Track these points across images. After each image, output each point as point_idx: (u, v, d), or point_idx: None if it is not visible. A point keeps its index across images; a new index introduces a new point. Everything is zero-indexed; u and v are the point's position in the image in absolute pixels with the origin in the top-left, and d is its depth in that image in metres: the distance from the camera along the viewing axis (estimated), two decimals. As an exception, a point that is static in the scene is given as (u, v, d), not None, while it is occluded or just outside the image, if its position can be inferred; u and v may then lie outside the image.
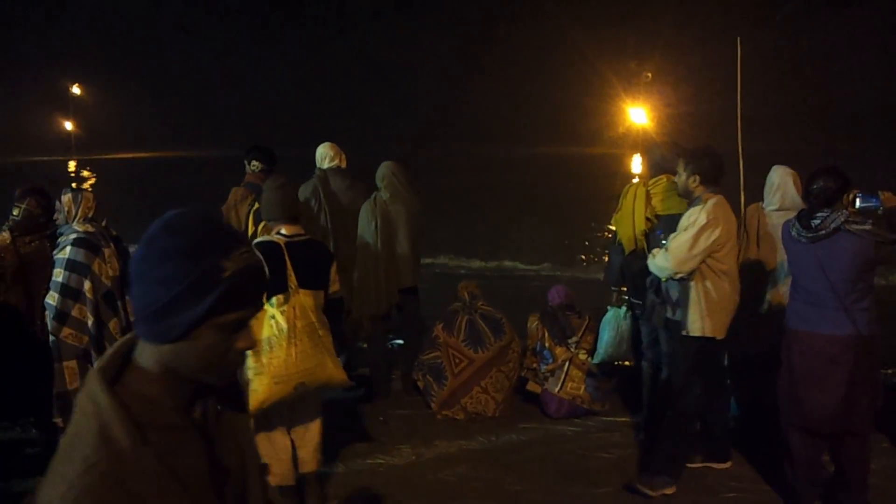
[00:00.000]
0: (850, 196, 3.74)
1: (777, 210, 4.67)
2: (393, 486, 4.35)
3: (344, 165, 5.91)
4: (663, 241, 4.15)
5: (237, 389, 1.51)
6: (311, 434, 3.92)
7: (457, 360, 5.35)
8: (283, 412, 3.81)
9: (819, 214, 3.69)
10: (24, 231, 4.64)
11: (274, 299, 3.53)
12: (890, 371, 5.87)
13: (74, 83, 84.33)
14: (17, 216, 4.72)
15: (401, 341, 6.32)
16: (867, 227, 3.59)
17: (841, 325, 3.68)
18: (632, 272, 4.83)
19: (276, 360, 3.51)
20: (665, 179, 4.61)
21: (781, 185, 4.70)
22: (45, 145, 72.85)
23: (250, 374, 3.52)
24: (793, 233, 3.81)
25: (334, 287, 3.84)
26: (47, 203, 4.80)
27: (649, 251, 4.43)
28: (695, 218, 3.95)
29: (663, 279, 4.17)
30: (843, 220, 3.61)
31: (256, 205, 5.43)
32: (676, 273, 4.02)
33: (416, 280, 5.67)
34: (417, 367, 5.53)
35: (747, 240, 4.81)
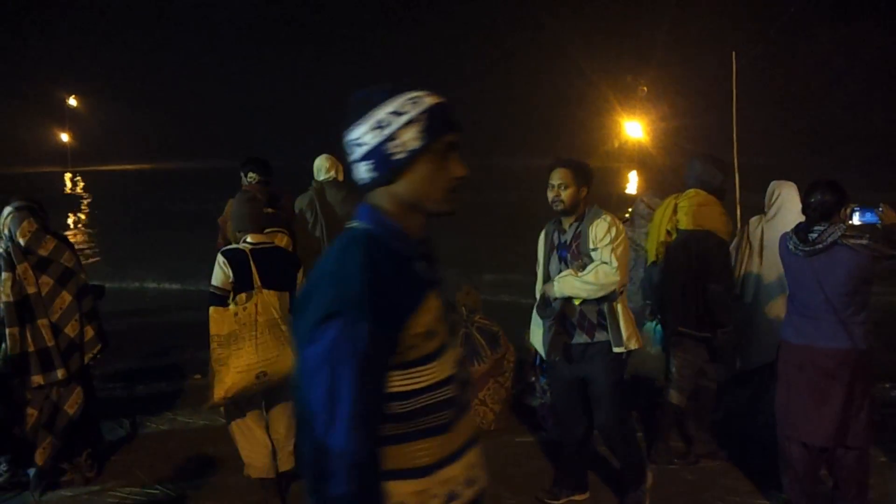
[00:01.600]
0: (848, 210, 3.75)
1: (776, 222, 4.68)
2: (389, 501, 4.31)
3: (341, 178, 5.92)
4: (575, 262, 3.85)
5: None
6: (282, 431, 4.13)
7: (453, 374, 5.32)
8: (259, 408, 4.09)
9: (816, 228, 3.69)
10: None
11: (238, 297, 3.87)
12: (888, 385, 5.87)
13: (71, 95, 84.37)
14: None
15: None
16: (864, 241, 3.59)
17: (838, 339, 3.68)
18: (652, 284, 4.84)
19: (239, 351, 3.81)
20: (694, 194, 4.56)
21: (784, 198, 4.71)
22: (42, 157, 72.81)
23: (216, 365, 3.82)
24: (790, 246, 3.81)
25: None
26: (43, 216, 4.78)
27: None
28: (615, 229, 3.80)
29: (588, 298, 3.81)
30: (840, 234, 3.61)
31: None
32: (615, 288, 3.80)
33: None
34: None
35: (750, 252, 4.81)
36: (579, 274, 3.79)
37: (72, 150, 77.56)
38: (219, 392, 3.81)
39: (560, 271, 3.89)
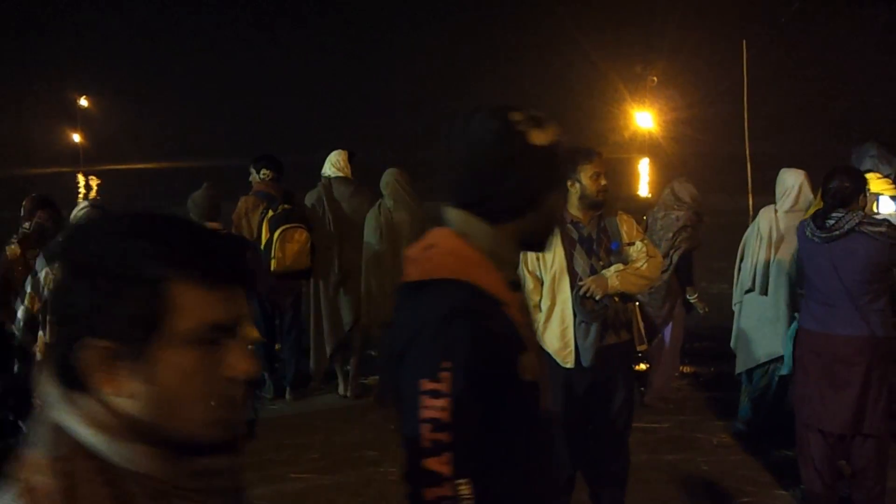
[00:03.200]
0: (868, 197, 3.71)
1: (790, 211, 4.65)
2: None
3: (349, 174, 5.92)
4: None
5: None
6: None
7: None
8: None
9: (834, 215, 3.66)
10: (34, 244, 4.66)
11: None
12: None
13: (82, 95, 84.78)
14: (28, 229, 4.74)
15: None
16: (882, 228, 3.56)
17: (855, 326, 3.65)
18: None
19: None
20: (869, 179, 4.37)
21: (795, 186, 4.68)
22: (54, 157, 73.21)
23: None
24: (807, 233, 3.79)
25: None
26: (58, 216, 4.83)
27: None
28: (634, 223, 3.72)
29: (638, 293, 3.71)
30: (857, 220, 3.58)
31: (270, 212, 5.49)
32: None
33: (423, 287, 5.66)
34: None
35: (760, 242, 4.77)
36: (633, 267, 3.55)
37: (83, 151, 78.00)
38: None
39: (591, 268, 3.56)
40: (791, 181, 4.72)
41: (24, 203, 4.93)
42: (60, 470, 0.89)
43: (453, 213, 1.53)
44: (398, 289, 1.53)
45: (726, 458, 4.65)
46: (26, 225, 4.80)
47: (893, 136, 4.96)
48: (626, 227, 3.66)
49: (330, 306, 5.83)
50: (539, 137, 1.48)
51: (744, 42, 5.77)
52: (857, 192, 3.67)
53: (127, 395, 0.92)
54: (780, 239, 4.67)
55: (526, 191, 1.49)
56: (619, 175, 28.58)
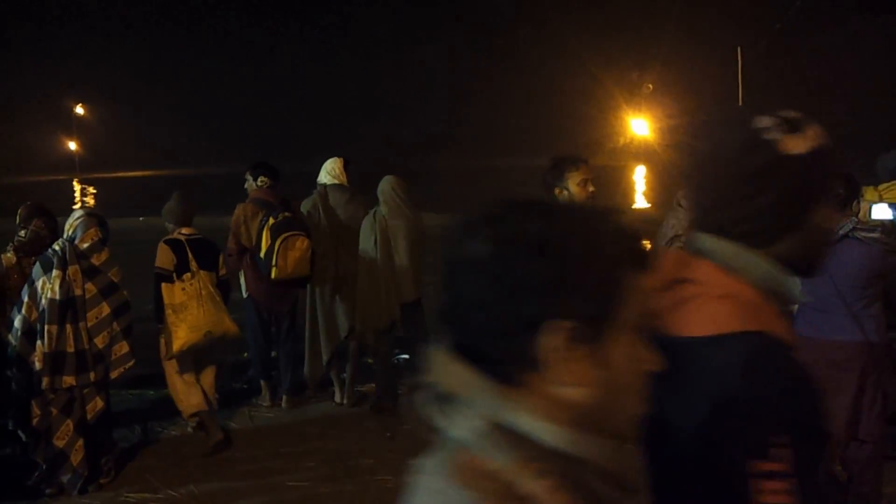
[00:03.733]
0: (860, 204, 3.73)
1: None
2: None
3: (345, 181, 5.94)
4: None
5: None
6: (208, 384, 5.22)
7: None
8: (190, 361, 5.11)
9: None
10: (30, 252, 4.66)
11: (185, 275, 4.96)
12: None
13: (78, 103, 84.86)
14: (23, 237, 4.74)
15: (407, 356, 6.31)
16: (876, 234, 3.58)
17: (849, 331, 3.66)
18: None
19: (190, 315, 4.91)
20: None
21: None
22: (50, 165, 73.13)
23: (172, 327, 4.87)
24: None
25: (222, 271, 5.29)
26: (53, 224, 4.82)
27: None
28: None
29: None
30: (851, 226, 3.60)
31: (271, 220, 5.51)
32: None
33: (417, 294, 5.67)
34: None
35: None
36: None
37: (80, 158, 77.96)
38: (176, 346, 4.88)
39: None
40: None
41: (19, 211, 4.93)
42: (529, 472, 0.84)
43: (713, 242, 1.30)
44: (663, 344, 1.06)
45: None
46: (22, 233, 4.80)
47: (889, 144, 4.96)
48: None
49: (326, 314, 5.82)
50: (795, 145, 1.27)
51: (739, 49, 5.79)
52: (851, 198, 3.68)
53: (581, 382, 0.86)
54: None
55: (784, 208, 1.28)
56: (615, 183, 28.58)
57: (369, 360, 6.25)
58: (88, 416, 4.45)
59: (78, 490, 4.40)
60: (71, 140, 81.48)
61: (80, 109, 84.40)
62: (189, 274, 4.98)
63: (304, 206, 5.82)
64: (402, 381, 6.01)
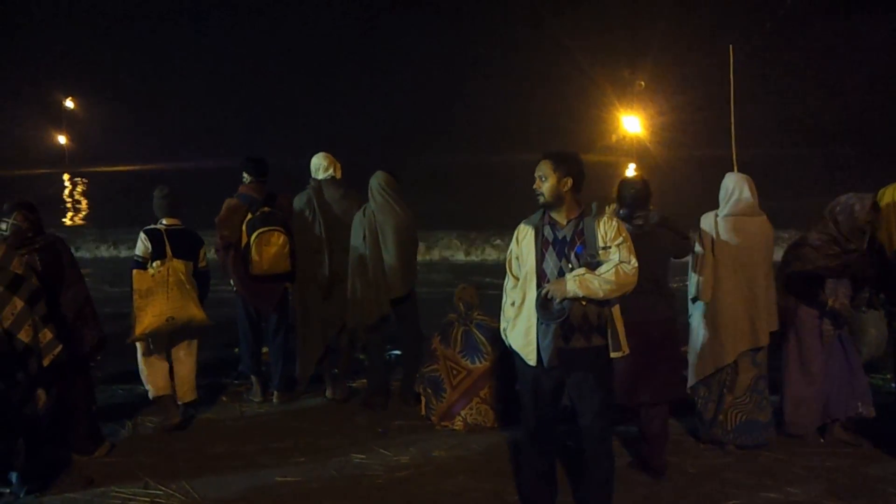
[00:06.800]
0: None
1: (730, 216, 4.68)
2: (392, 498, 4.33)
3: (339, 176, 5.92)
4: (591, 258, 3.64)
5: None
6: (184, 373, 5.44)
7: (455, 372, 5.33)
8: (163, 348, 5.35)
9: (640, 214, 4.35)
10: (11, 245, 4.61)
11: (155, 263, 5.18)
12: (889, 376, 5.87)
13: (67, 97, 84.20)
14: (5, 231, 4.70)
15: (398, 352, 6.30)
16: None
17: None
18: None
19: (154, 300, 5.14)
20: None
21: (737, 190, 4.70)
22: (39, 159, 72.61)
23: (138, 311, 5.12)
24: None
25: (202, 263, 5.48)
26: (35, 217, 4.78)
27: None
28: (624, 230, 3.72)
29: (603, 299, 3.61)
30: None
31: (249, 215, 5.51)
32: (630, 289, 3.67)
33: (407, 290, 5.66)
34: (419, 380, 5.53)
35: (703, 248, 4.73)
36: (597, 272, 3.57)
37: (69, 152, 77.45)
38: (138, 330, 5.12)
39: (559, 270, 3.63)
40: (732, 185, 4.74)
41: (3, 206, 4.88)
42: None
43: None
44: None
45: (712, 461, 4.68)
46: (3, 227, 4.75)
47: (881, 142, 5.00)
48: (604, 230, 3.66)
49: (318, 309, 5.81)
50: None
51: (731, 47, 5.80)
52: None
53: None
54: (720, 244, 4.66)
55: None
56: (610, 179, 28.58)
57: (361, 356, 6.24)
58: (29, 412, 4.29)
59: (29, 492, 4.34)
60: (60, 134, 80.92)
61: (69, 103, 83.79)
62: (159, 262, 5.19)
63: (298, 202, 5.80)
64: (394, 377, 6.01)
